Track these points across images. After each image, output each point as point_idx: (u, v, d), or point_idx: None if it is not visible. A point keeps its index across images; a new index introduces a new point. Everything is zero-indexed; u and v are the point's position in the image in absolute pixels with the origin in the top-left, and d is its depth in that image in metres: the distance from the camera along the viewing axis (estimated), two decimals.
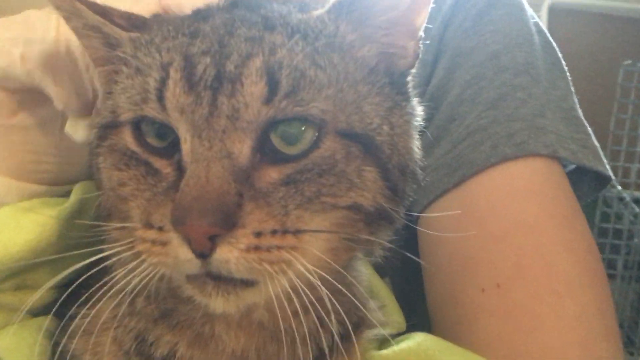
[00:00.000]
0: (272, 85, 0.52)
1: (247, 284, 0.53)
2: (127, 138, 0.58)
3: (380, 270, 0.83)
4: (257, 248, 0.50)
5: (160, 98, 0.54)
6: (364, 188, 0.57)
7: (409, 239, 0.89)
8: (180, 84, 0.53)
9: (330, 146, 0.55)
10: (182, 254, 0.50)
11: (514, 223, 0.80)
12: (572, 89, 0.95)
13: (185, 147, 0.54)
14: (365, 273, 0.72)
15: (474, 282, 0.80)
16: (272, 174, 0.53)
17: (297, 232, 0.53)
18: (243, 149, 0.53)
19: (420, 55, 0.64)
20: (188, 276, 0.54)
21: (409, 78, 0.66)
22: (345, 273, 0.60)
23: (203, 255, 0.50)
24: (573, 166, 0.89)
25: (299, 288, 0.52)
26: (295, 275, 0.52)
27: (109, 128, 0.60)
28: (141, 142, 0.57)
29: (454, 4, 0.99)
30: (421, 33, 0.62)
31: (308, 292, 0.52)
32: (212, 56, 0.54)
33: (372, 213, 0.58)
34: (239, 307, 0.56)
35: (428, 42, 0.82)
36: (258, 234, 0.50)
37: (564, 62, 0.97)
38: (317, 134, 0.54)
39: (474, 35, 0.95)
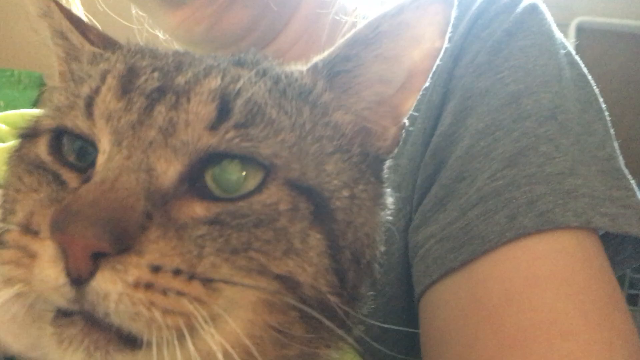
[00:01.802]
0: (223, 111, 0.48)
1: (129, 342, 0.42)
2: (41, 147, 0.52)
3: (375, 353, 0.66)
4: (149, 286, 0.40)
5: (89, 105, 0.49)
6: (306, 259, 0.48)
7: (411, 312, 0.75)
8: (113, 90, 0.49)
9: (274, 193, 0.47)
10: (50, 274, 0.40)
11: (536, 324, 0.63)
12: (611, 131, 0.78)
13: (102, 157, 0.47)
14: None
15: None
16: (197, 209, 0.45)
17: (207, 282, 0.42)
18: (169, 170, 0.46)
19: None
20: (57, 313, 0.43)
21: (386, 165, 0.60)
22: None
23: (78, 280, 0.39)
24: None
25: None
26: (196, 345, 0.42)
27: (26, 137, 0.54)
28: (54, 153, 0.51)
29: (466, 33, 0.83)
30: (405, 121, 0.59)
31: None
32: (161, 71, 0.50)
33: (310, 301, 0.47)
34: None
35: (434, 78, 0.68)
36: (156, 269, 0.40)
37: (600, 99, 0.81)
38: (262, 180, 0.47)
39: (489, 73, 0.79)
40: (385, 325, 0.55)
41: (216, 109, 0.48)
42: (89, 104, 0.49)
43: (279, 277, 0.46)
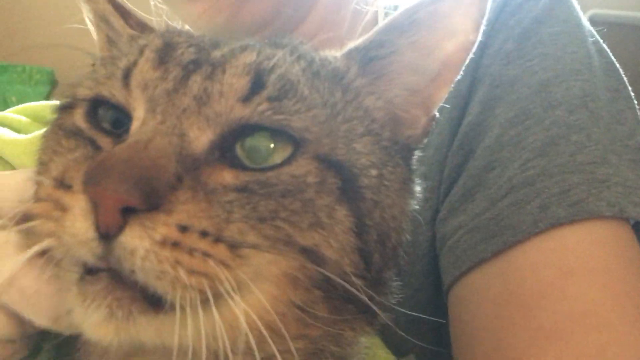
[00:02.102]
0: (256, 84, 0.49)
1: (152, 304, 0.42)
2: (77, 116, 0.53)
3: (402, 345, 0.68)
4: (175, 245, 0.40)
5: (126, 76, 0.50)
6: (331, 233, 0.47)
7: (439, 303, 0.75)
8: (151, 61, 0.50)
9: (303, 166, 0.48)
10: (80, 227, 0.41)
11: (570, 315, 0.62)
12: None
13: (136, 123, 0.48)
14: None
15: None
16: (226, 177, 0.46)
17: (233, 247, 0.43)
18: (201, 137, 0.47)
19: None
20: (82, 274, 0.43)
21: (415, 155, 0.61)
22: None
23: (107, 235, 0.40)
24: None
25: (228, 341, 0.41)
26: (220, 312, 0.42)
27: (64, 109, 0.55)
28: (90, 121, 0.52)
29: (493, 20, 0.81)
30: (436, 112, 0.59)
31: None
32: (197, 47, 0.52)
33: (334, 279, 0.47)
34: (124, 338, 0.42)
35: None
36: (183, 229, 0.41)
37: (629, 88, 0.79)
38: (291, 153, 0.48)
39: (518, 61, 0.77)
40: (414, 314, 0.56)
41: (250, 81, 0.49)
42: (126, 75, 0.50)
43: (304, 250, 0.46)
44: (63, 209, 0.42)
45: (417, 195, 0.60)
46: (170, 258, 0.40)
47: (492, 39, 0.80)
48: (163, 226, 0.40)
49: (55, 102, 0.91)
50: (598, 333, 0.60)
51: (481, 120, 0.76)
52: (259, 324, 0.43)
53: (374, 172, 0.52)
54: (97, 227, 0.40)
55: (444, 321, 0.75)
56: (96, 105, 0.52)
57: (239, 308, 0.42)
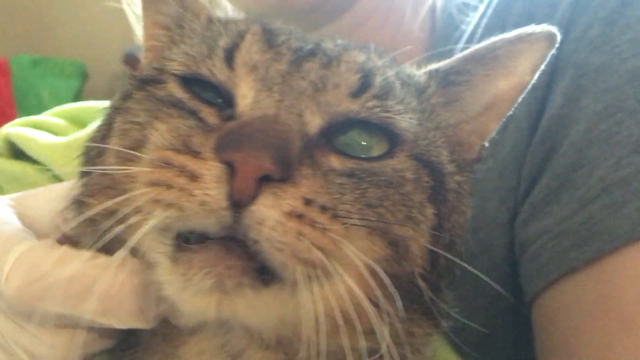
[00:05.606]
0: (365, 83, 0.51)
1: (260, 277, 0.42)
2: (173, 88, 0.52)
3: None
4: (300, 217, 0.41)
5: (228, 57, 0.51)
6: (419, 230, 0.49)
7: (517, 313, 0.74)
8: (258, 44, 0.51)
9: (403, 161, 0.50)
10: (213, 195, 0.40)
11: None
12: None
13: (245, 101, 0.49)
14: None
15: None
16: (334, 162, 0.47)
17: (345, 226, 0.43)
18: (313, 121, 0.48)
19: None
20: (174, 247, 0.43)
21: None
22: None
23: (238, 204, 0.40)
24: None
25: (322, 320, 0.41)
26: (325, 288, 0.42)
27: (149, 82, 0.54)
28: (189, 91, 0.51)
29: (574, 3, 0.74)
30: (486, 143, 0.60)
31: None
32: (295, 37, 0.54)
33: (402, 280, 0.48)
34: (224, 312, 0.42)
35: None
36: (308, 202, 0.41)
37: None
38: (387, 150, 0.50)
39: (604, 47, 0.71)
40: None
41: (360, 79, 0.50)
42: (229, 56, 0.51)
43: (394, 243, 0.47)
44: (192, 176, 0.40)
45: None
46: (294, 229, 0.40)
47: (574, 23, 0.73)
48: (291, 198, 0.41)
49: (90, 103, 0.89)
50: None
51: (565, 113, 0.71)
52: (363, 299, 0.43)
53: (457, 177, 0.55)
54: (231, 195, 0.39)
55: (524, 333, 0.71)
56: (187, 80, 0.52)
57: (340, 288, 0.43)
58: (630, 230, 0.61)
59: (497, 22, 0.83)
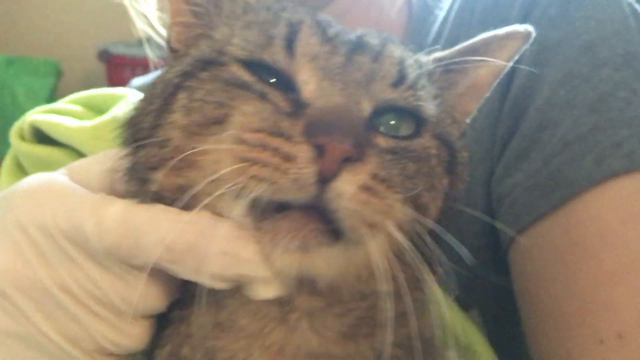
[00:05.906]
0: (401, 74, 0.58)
1: (331, 237, 0.50)
2: (237, 71, 0.56)
3: (465, 300, 0.72)
4: (368, 189, 0.49)
5: (289, 47, 0.56)
6: (436, 198, 0.58)
7: (498, 261, 0.82)
8: (316, 36, 0.57)
9: (428, 140, 0.58)
10: (306, 173, 0.47)
11: (634, 260, 0.66)
12: None
13: (308, 87, 0.54)
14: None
15: (590, 332, 0.67)
16: (381, 142, 0.55)
17: (397, 192, 0.51)
18: (366, 108, 0.55)
19: None
20: (254, 216, 0.50)
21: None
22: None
23: (324, 180, 0.47)
24: None
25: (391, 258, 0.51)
26: (388, 241, 0.51)
27: (209, 64, 0.57)
28: (254, 74, 0.55)
29: None
30: (467, 120, 0.69)
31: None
32: (340, 28, 0.59)
33: (415, 237, 0.54)
34: (305, 268, 0.50)
35: None
36: (374, 176, 0.49)
37: None
38: (414, 130, 0.58)
39: (562, 24, 0.81)
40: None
41: (398, 72, 0.58)
42: (289, 45, 0.56)
43: (420, 206, 0.55)
44: (287, 157, 0.47)
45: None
46: (365, 200, 0.48)
47: (536, 4, 0.83)
48: (363, 174, 0.48)
49: (103, 90, 0.89)
50: None
51: (530, 83, 0.80)
52: (387, 257, 0.51)
53: (465, 155, 0.64)
54: (319, 173, 0.47)
55: (504, 279, 0.80)
56: (248, 64, 0.56)
57: (390, 240, 0.51)
58: (589, 178, 0.70)
59: (467, 7, 0.93)
